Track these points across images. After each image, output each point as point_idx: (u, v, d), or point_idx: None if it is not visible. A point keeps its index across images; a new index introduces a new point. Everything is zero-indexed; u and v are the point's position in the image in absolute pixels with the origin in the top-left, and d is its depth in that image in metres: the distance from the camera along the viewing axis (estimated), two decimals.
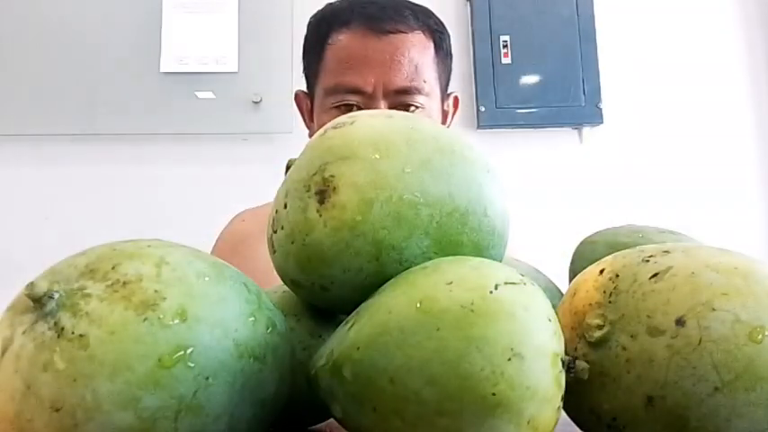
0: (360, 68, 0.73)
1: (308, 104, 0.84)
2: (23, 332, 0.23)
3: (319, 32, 0.78)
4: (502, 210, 0.31)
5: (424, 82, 0.75)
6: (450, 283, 0.24)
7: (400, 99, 0.73)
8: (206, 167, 1.66)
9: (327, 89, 0.76)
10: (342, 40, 0.75)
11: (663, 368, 0.23)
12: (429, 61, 0.76)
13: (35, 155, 1.69)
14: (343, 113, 0.72)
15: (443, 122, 0.83)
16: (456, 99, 0.87)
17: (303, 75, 0.83)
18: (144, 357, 0.22)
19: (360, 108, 0.74)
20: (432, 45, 0.78)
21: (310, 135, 0.82)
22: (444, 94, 0.82)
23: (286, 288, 0.34)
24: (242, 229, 0.86)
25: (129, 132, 1.69)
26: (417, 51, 0.75)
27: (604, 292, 0.26)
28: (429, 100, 0.76)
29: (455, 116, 0.88)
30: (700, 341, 0.23)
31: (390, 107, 0.73)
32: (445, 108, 0.84)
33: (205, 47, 1.69)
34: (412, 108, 0.74)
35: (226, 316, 0.25)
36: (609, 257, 0.28)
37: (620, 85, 1.80)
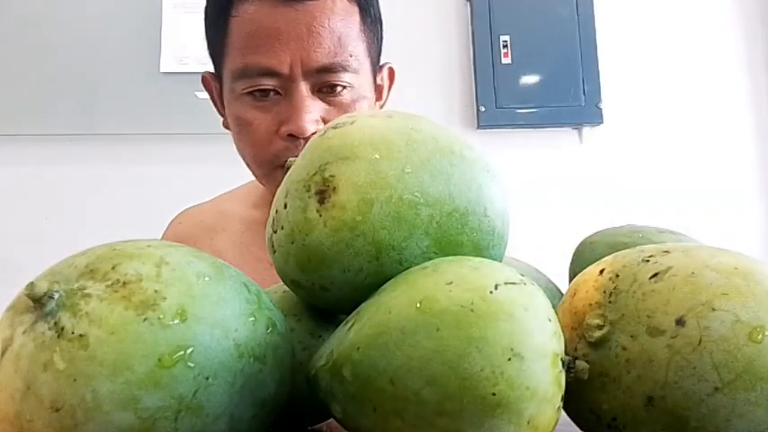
0: (272, 45, 0.61)
1: (217, 88, 0.71)
2: (23, 332, 0.23)
3: (221, 0, 0.65)
4: (502, 210, 0.31)
5: (351, 56, 0.63)
6: (450, 283, 0.24)
7: (324, 78, 0.63)
8: (206, 167, 1.66)
9: (236, 72, 0.64)
10: (248, 11, 0.63)
11: (663, 368, 0.23)
12: (355, 31, 0.65)
13: (35, 155, 1.69)
14: (258, 100, 0.64)
15: (378, 99, 0.73)
16: (391, 70, 0.75)
17: (208, 53, 0.71)
18: (144, 357, 0.22)
19: (277, 93, 0.63)
20: (357, 11, 0.65)
21: (224, 124, 0.72)
22: (376, 68, 0.71)
23: (286, 288, 0.34)
24: (179, 233, 0.78)
25: (129, 132, 1.69)
26: (340, 20, 0.63)
27: (604, 292, 0.26)
28: (358, 77, 0.65)
29: (392, 89, 0.76)
30: (700, 341, 0.23)
31: (313, 89, 0.63)
32: (379, 82, 0.72)
33: (205, 47, 1.69)
34: (338, 88, 0.63)
35: (226, 316, 0.25)
36: (609, 257, 0.28)
37: (620, 85, 1.80)
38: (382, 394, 0.23)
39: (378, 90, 0.73)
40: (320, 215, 0.28)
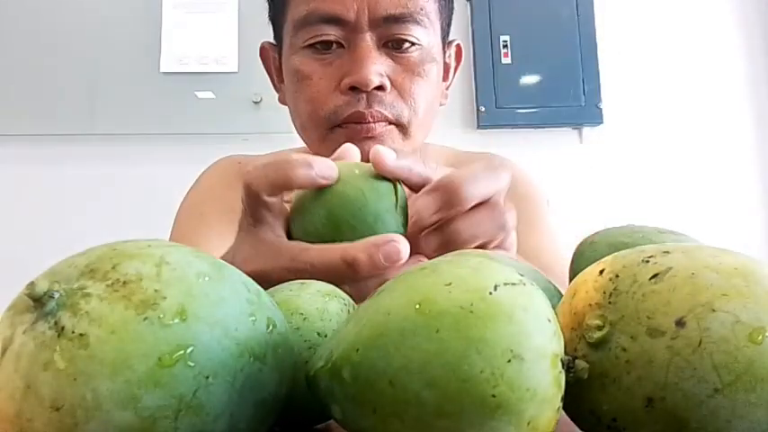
0: None
1: (275, 59, 0.68)
2: (24, 331, 0.23)
3: None
4: None
5: (421, 10, 0.59)
6: (450, 284, 0.23)
7: (391, 30, 0.59)
8: (206, 167, 1.66)
9: (297, 22, 0.60)
10: None
11: (663, 369, 0.23)
12: None
13: (35, 155, 1.69)
14: (319, 53, 0.59)
15: (445, 78, 0.69)
16: (459, 48, 0.71)
17: (269, 20, 0.68)
18: (144, 356, 0.22)
19: (340, 46, 0.59)
20: None
21: (280, 100, 0.69)
22: (446, 38, 0.66)
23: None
24: (230, 171, 0.73)
25: (129, 132, 1.69)
26: None
27: (604, 292, 0.26)
28: (427, 35, 0.60)
29: (458, 72, 0.72)
30: (700, 342, 0.23)
31: (379, 42, 0.59)
32: (446, 60, 0.68)
33: (205, 47, 1.69)
34: (407, 44, 0.59)
35: (226, 315, 0.25)
36: (609, 257, 0.28)
37: (620, 85, 1.80)
38: (382, 396, 0.23)
39: (445, 69, 0.68)
40: None
